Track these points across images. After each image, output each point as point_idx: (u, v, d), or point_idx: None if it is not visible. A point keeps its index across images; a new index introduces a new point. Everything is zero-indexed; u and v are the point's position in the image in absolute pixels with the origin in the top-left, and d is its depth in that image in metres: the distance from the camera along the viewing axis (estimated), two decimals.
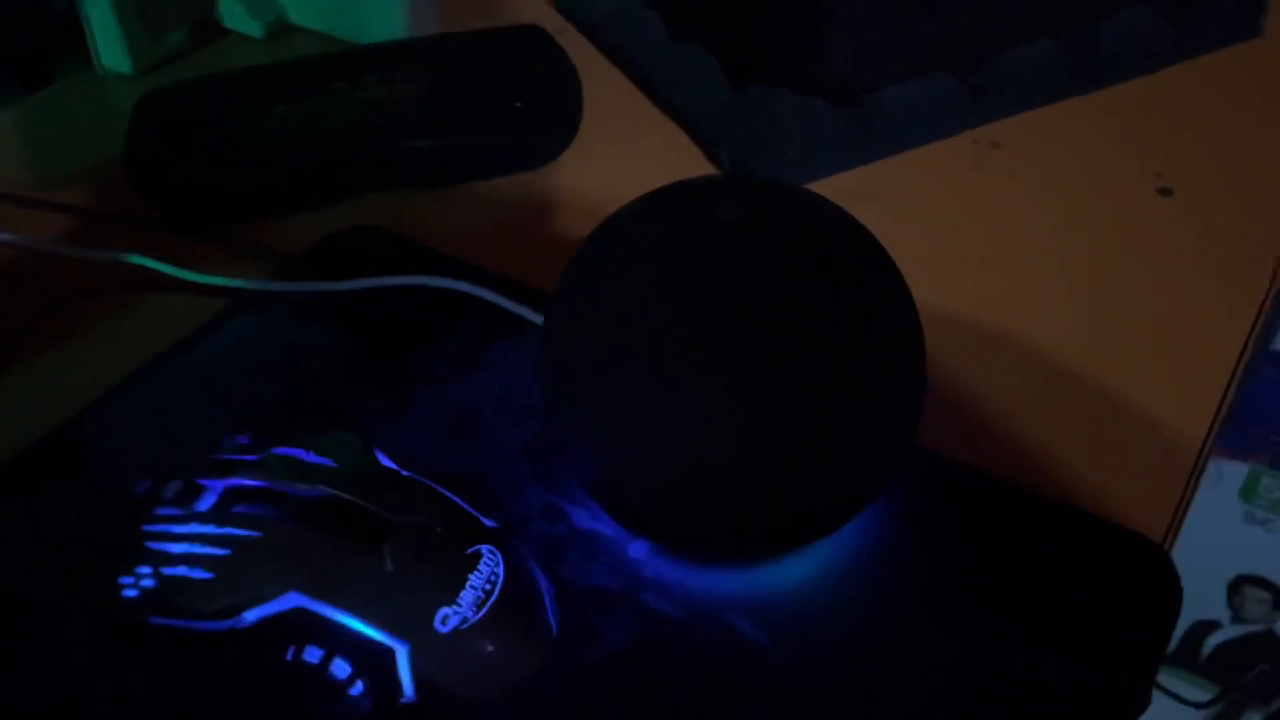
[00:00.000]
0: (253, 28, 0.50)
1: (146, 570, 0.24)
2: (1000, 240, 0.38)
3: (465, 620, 0.23)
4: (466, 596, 0.23)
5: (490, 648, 0.23)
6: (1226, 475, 0.88)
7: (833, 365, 0.24)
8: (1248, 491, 0.88)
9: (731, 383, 0.23)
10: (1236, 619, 0.96)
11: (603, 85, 0.45)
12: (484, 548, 0.24)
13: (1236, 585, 0.95)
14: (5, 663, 0.24)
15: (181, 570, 0.24)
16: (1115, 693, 0.24)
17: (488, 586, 0.24)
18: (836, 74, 0.39)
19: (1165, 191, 0.39)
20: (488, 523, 0.25)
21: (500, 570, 0.24)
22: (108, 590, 0.24)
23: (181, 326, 0.34)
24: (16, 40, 0.46)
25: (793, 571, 0.27)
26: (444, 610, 0.23)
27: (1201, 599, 0.96)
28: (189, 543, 0.24)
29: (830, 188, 0.40)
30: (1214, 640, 1.00)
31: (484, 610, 0.23)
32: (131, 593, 0.24)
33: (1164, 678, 1.05)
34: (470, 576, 0.23)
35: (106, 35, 0.47)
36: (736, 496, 0.24)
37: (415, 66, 0.40)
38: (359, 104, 0.39)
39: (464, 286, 0.33)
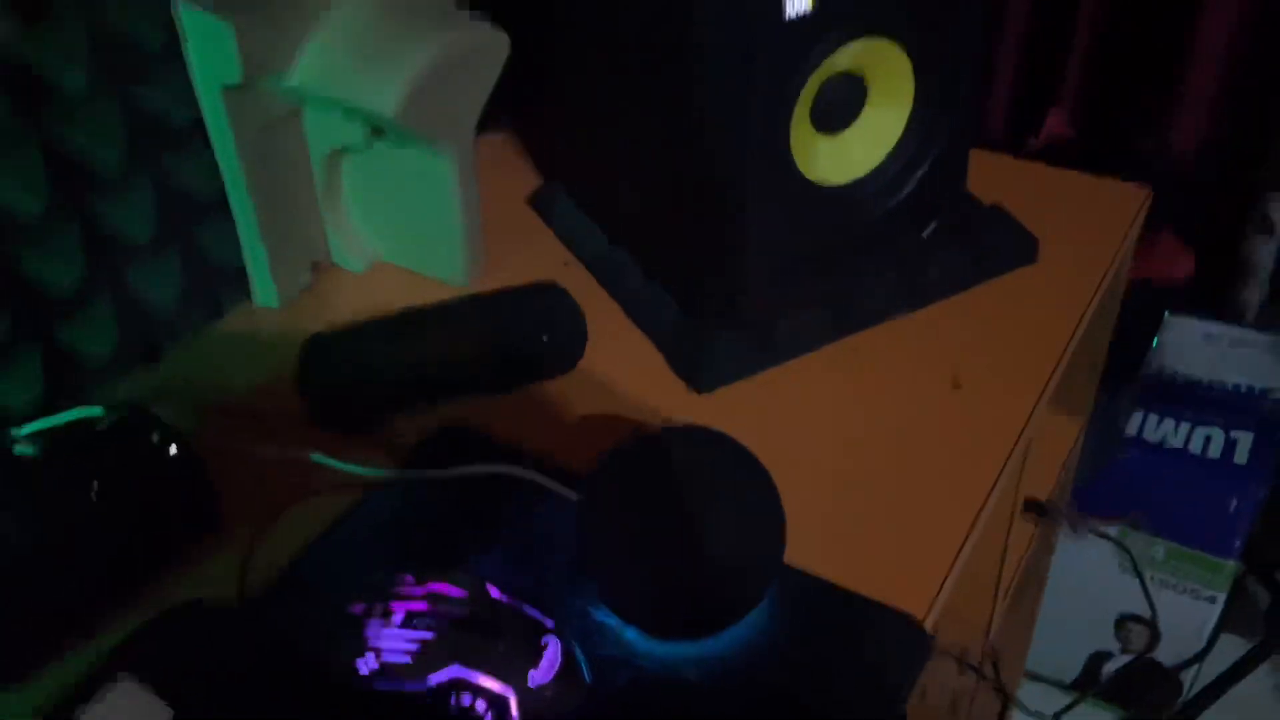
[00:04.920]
0: (356, 266, 0.72)
1: (371, 657, 0.45)
2: (849, 416, 0.60)
3: (542, 680, 0.44)
4: (542, 666, 0.45)
5: (554, 693, 0.45)
6: (1101, 534, 1.09)
7: (729, 538, 0.45)
8: (1120, 547, 1.10)
9: (676, 545, 0.45)
10: (1124, 649, 1.17)
11: (598, 304, 0.67)
12: (549, 638, 0.46)
13: (1121, 622, 1.16)
14: (303, 705, 0.45)
15: (392, 658, 0.45)
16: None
17: (552, 661, 0.45)
18: (745, 315, 0.61)
19: (956, 385, 0.61)
20: (548, 623, 0.47)
21: (559, 652, 0.45)
22: (350, 668, 0.45)
23: (348, 498, 0.56)
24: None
25: (716, 644, 0.48)
26: (531, 673, 0.44)
27: (1095, 634, 1.18)
28: (393, 640, 0.45)
29: (744, 387, 0.62)
30: (1109, 668, 1.22)
31: (552, 674, 0.45)
32: (364, 669, 0.45)
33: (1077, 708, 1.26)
34: (543, 655, 0.45)
35: (262, 280, 0.69)
36: (681, 606, 0.46)
37: (480, 316, 0.62)
38: (446, 345, 0.61)
39: (520, 472, 0.55)
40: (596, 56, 0.65)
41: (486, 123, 0.66)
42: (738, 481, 0.47)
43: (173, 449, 0.52)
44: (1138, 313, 1.04)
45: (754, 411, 0.60)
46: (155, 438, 0.52)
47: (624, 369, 0.63)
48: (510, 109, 0.77)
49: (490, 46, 0.63)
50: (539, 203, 0.76)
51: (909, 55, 0.57)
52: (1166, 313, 1.07)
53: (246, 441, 0.59)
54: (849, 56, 0.56)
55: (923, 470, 0.57)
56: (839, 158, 0.59)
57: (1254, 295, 1.11)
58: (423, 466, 0.56)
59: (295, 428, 0.60)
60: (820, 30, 0.52)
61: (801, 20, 0.50)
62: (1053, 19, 1.08)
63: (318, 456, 0.57)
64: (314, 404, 0.60)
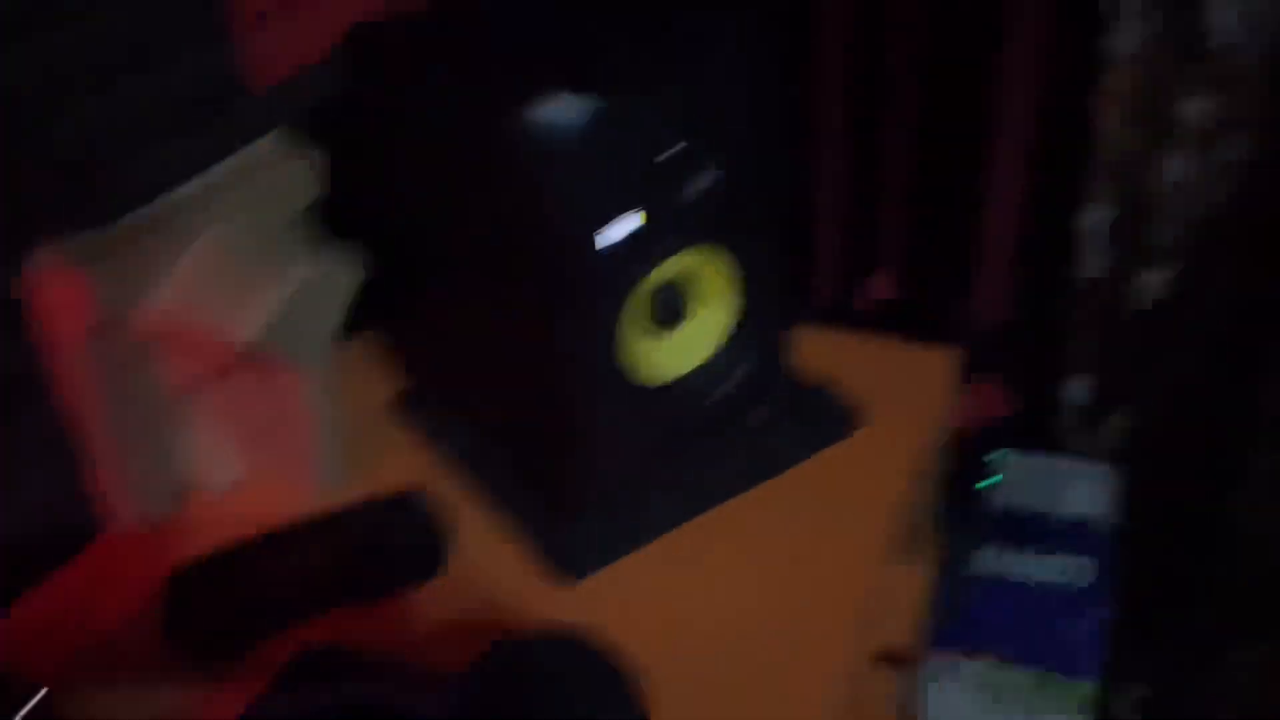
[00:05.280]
0: (219, 485, 0.73)
1: None
2: (707, 592, 0.63)
3: None
4: None
5: None
6: (965, 672, 1.14)
7: None
8: (984, 682, 1.15)
9: None
10: None
11: (468, 502, 0.70)
12: None
13: None
14: None
15: None
16: None
17: None
18: (602, 506, 0.65)
19: (796, 559, 0.66)
20: None
21: None
22: None
23: None
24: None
25: None
26: None
27: None
28: None
29: (611, 573, 0.65)
30: None
31: None
32: None
33: None
34: None
35: (123, 509, 0.69)
36: None
37: (337, 532, 0.64)
38: (304, 566, 0.62)
39: (380, 694, 0.56)
40: (446, 274, 0.70)
41: (351, 328, 0.69)
42: (599, 685, 0.49)
43: (30, 705, 0.51)
44: (972, 454, 1.13)
45: (622, 595, 0.63)
46: (12, 691, 0.52)
47: (497, 565, 0.66)
48: (374, 315, 0.81)
49: (341, 274, 0.68)
50: (404, 405, 0.79)
51: (724, 264, 0.64)
52: (999, 451, 1.16)
53: (111, 684, 0.58)
54: (671, 268, 0.62)
55: (778, 639, 0.60)
56: (673, 354, 0.65)
57: (1074, 428, 1.23)
58: (289, 691, 0.57)
59: (162, 664, 0.60)
60: (639, 252, 0.58)
61: (616, 248, 0.56)
62: (865, 194, 1.20)
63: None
64: (178, 641, 0.60)
